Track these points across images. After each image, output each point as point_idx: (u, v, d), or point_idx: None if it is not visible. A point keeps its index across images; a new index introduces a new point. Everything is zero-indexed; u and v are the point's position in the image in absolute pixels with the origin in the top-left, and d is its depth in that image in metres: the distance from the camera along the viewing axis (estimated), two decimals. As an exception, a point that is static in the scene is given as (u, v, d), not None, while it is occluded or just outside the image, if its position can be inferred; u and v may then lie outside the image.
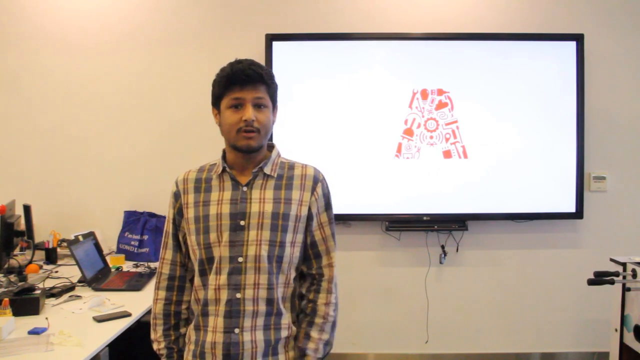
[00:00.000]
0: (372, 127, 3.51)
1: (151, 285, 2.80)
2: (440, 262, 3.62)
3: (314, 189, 1.57)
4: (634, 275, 2.67)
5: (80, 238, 3.01)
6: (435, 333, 3.65)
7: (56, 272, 3.07)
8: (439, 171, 3.50)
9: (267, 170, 1.54)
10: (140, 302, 2.50)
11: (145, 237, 3.47)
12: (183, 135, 3.60)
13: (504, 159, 3.51)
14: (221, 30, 3.58)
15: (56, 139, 3.62)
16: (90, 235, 3.12)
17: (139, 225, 3.50)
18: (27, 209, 3.10)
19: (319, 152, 3.49)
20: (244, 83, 1.48)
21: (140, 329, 2.51)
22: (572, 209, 3.51)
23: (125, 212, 3.58)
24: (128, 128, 3.62)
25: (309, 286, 1.60)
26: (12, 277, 2.73)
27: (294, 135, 3.49)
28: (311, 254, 1.59)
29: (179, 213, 1.58)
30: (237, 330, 1.47)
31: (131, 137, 3.62)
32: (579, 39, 3.46)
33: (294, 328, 1.56)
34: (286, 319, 1.54)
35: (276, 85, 1.56)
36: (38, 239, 3.31)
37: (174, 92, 3.59)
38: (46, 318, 2.23)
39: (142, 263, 3.30)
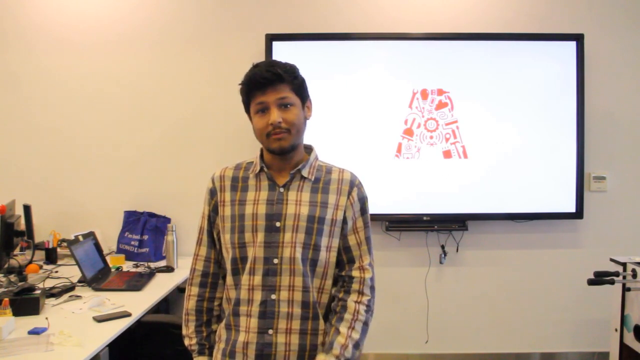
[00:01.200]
0: (372, 127, 3.51)
1: (151, 286, 2.81)
2: (440, 262, 3.62)
3: (349, 194, 1.56)
4: (634, 275, 2.67)
5: (80, 238, 3.01)
6: (435, 333, 3.65)
7: (56, 272, 3.07)
8: (439, 171, 3.50)
9: (304, 172, 1.54)
10: (140, 302, 2.50)
11: (145, 237, 3.47)
12: (183, 135, 3.60)
13: (504, 159, 3.51)
14: (221, 30, 3.58)
15: (56, 139, 3.62)
16: (90, 235, 3.12)
17: (139, 225, 3.49)
18: (27, 209, 3.10)
19: (319, 152, 3.48)
20: (263, 87, 1.47)
21: (140, 329, 2.51)
22: (572, 209, 3.51)
23: (125, 212, 3.58)
24: (128, 128, 3.62)
25: (339, 287, 1.56)
26: (12, 277, 2.73)
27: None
28: (345, 258, 1.56)
29: (214, 210, 1.57)
30: (270, 332, 1.47)
31: (131, 137, 3.62)
32: (579, 39, 3.46)
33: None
34: (323, 325, 1.52)
35: (301, 80, 1.53)
36: (38, 239, 3.31)
37: (174, 92, 3.59)
38: (46, 318, 2.23)
39: (142, 263, 3.30)
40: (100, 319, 2.25)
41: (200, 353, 1.57)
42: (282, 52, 3.47)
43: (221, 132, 3.53)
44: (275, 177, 1.54)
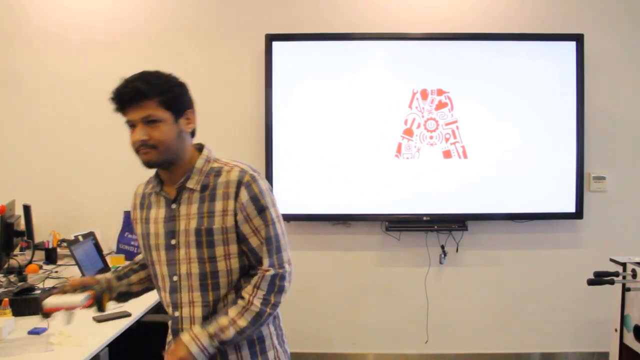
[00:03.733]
0: (372, 127, 3.50)
1: (151, 285, 2.81)
2: (440, 262, 3.62)
3: (237, 195, 1.42)
4: (634, 276, 2.67)
5: (80, 238, 3.01)
6: (435, 333, 3.65)
7: (56, 272, 3.07)
8: (439, 171, 3.50)
9: (190, 184, 1.46)
10: (140, 302, 2.48)
11: (145, 237, 3.46)
12: (183, 135, 3.59)
13: (504, 159, 3.51)
14: (221, 30, 3.58)
15: (56, 139, 3.62)
16: (90, 236, 3.12)
17: (139, 225, 3.49)
18: (27, 209, 3.10)
19: (319, 152, 3.49)
20: (126, 104, 1.42)
21: (140, 329, 2.51)
22: (572, 209, 3.51)
23: (125, 212, 3.58)
24: (129, 128, 3.61)
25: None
26: (12, 277, 2.73)
27: (293, 135, 3.49)
28: (253, 260, 1.45)
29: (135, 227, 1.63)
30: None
31: (131, 137, 3.62)
32: (578, 39, 3.46)
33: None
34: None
35: (175, 92, 1.44)
36: (38, 239, 3.31)
37: (174, 92, 3.59)
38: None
39: (142, 263, 3.29)
40: (100, 319, 2.24)
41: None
42: (282, 52, 3.47)
43: (221, 132, 3.52)
44: (168, 191, 1.50)
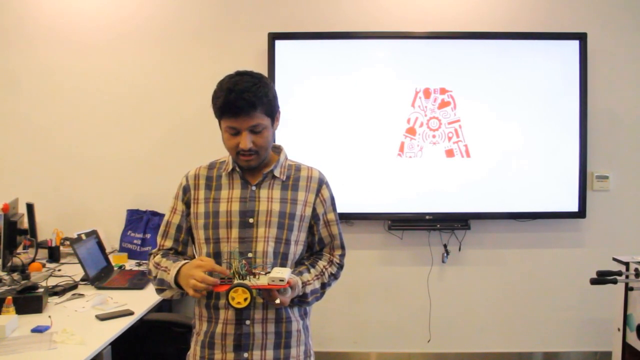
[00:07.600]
0: (375, 126, 3.50)
1: (154, 284, 2.81)
2: (443, 261, 3.61)
3: (318, 191, 1.64)
4: (637, 275, 2.66)
5: (83, 236, 3.02)
6: (437, 332, 3.65)
7: (59, 270, 3.08)
8: (442, 170, 3.49)
9: (276, 172, 1.60)
10: (143, 301, 2.51)
11: (148, 235, 3.47)
12: (186, 134, 3.60)
13: (507, 158, 3.50)
14: (224, 29, 3.58)
15: (59, 138, 3.63)
16: (93, 234, 3.13)
17: (142, 223, 3.50)
18: (30, 208, 3.11)
19: (322, 151, 3.49)
20: (236, 114, 1.48)
21: (142, 328, 2.52)
22: (575, 208, 3.51)
23: (128, 210, 3.59)
24: (131, 127, 3.62)
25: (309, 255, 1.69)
26: (15, 276, 2.73)
27: (296, 134, 3.48)
28: (318, 248, 1.68)
29: (186, 206, 1.63)
30: (247, 322, 1.52)
31: (134, 136, 3.63)
32: (582, 38, 3.45)
33: (300, 320, 1.62)
34: (295, 311, 1.60)
35: (272, 98, 1.53)
36: (41, 237, 3.32)
37: (176, 91, 3.60)
38: (49, 316, 2.24)
39: (144, 262, 3.30)
40: (103, 318, 2.25)
41: (165, 255, 1.60)
42: (285, 51, 3.47)
43: (224, 131, 3.53)
44: (246, 175, 1.60)
